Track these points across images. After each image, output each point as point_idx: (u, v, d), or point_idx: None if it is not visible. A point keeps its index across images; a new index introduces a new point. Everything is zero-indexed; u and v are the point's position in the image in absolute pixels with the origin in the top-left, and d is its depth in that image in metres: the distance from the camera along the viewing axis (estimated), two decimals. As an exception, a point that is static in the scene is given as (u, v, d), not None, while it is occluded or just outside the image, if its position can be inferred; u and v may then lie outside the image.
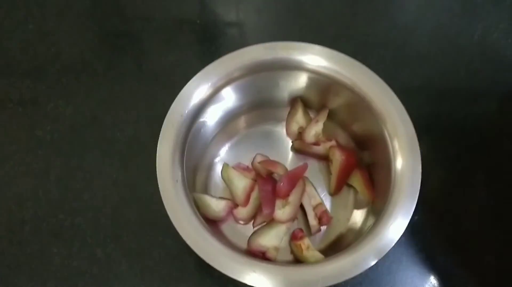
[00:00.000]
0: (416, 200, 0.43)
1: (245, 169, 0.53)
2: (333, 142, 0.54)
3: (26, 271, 0.50)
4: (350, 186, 0.53)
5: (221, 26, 0.65)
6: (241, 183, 0.51)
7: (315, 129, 0.54)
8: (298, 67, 0.50)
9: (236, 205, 0.51)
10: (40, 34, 0.63)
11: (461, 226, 0.53)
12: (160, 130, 0.46)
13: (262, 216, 0.51)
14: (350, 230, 0.51)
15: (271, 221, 0.51)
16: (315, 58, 0.50)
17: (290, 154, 0.56)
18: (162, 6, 0.66)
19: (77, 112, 0.58)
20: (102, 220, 0.52)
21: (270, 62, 0.49)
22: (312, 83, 0.51)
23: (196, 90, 0.47)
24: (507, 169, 0.56)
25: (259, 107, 0.56)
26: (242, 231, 0.51)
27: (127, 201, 0.53)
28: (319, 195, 0.52)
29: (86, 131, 0.57)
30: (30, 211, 0.53)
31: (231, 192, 0.52)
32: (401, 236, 0.42)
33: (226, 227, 0.51)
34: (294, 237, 0.50)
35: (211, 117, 0.51)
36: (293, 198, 0.50)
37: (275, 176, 0.53)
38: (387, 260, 0.51)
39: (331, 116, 0.54)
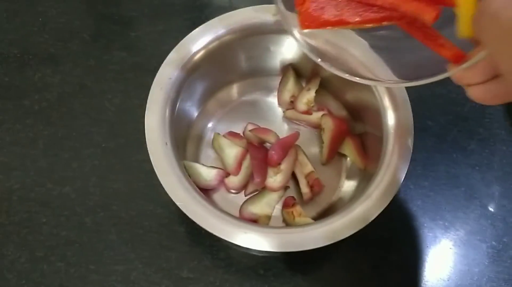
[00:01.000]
0: (409, 163, 0.42)
1: (236, 136, 0.52)
2: (325, 111, 0.54)
3: (15, 240, 0.49)
4: (342, 155, 0.53)
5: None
6: (232, 151, 0.51)
7: (307, 97, 0.53)
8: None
9: (227, 174, 0.51)
10: (27, 2, 0.62)
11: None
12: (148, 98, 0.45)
13: (254, 184, 0.50)
14: (342, 198, 0.51)
15: (262, 190, 0.50)
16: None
17: (282, 123, 0.55)
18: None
19: (65, 81, 0.57)
20: (91, 189, 0.52)
21: (259, 25, 0.48)
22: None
23: (184, 53, 0.46)
24: (501, 138, 0.56)
25: (250, 75, 0.55)
26: (233, 200, 0.51)
27: (116, 170, 0.52)
28: (310, 164, 0.51)
29: (74, 100, 0.56)
30: (18, 180, 0.52)
31: (222, 160, 0.51)
32: (394, 204, 0.41)
33: (217, 197, 0.51)
34: (286, 205, 0.50)
35: (201, 82, 0.50)
36: (284, 166, 0.49)
37: (267, 145, 0.52)
38: (378, 228, 0.50)
39: (323, 84, 0.54)
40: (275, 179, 0.49)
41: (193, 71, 0.47)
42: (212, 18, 0.49)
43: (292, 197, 0.50)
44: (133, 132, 0.54)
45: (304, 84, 0.55)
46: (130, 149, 0.53)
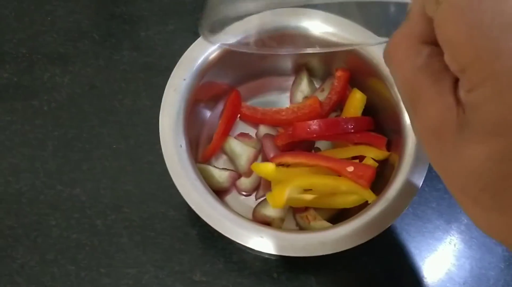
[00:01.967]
0: (428, 165, 0.42)
1: (248, 137, 0.52)
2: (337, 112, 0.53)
3: (25, 243, 0.49)
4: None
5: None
6: (244, 153, 0.50)
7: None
8: (303, 33, 0.48)
9: (239, 176, 0.50)
10: (36, 1, 0.61)
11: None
12: (159, 99, 0.44)
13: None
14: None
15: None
16: (321, 24, 0.48)
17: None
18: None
19: (75, 82, 0.56)
20: (102, 191, 0.51)
21: (275, 28, 0.47)
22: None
23: (198, 54, 0.46)
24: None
25: (262, 75, 0.54)
26: (246, 203, 0.50)
27: (127, 171, 0.52)
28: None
29: (84, 100, 0.55)
30: (27, 182, 0.51)
31: (233, 162, 0.51)
32: (409, 207, 0.41)
33: (230, 199, 0.50)
34: (298, 209, 0.49)
35: (214, 83, 0.50)
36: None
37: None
38: (393, 231, 0.50)
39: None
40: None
41: (206, 72, 0.47)
42: (225, 18, 0.48)
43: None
44: (144, 133, 0.53)
45: (317, 85, 0.55)
46: (141, 150, 0.52)
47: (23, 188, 0.51)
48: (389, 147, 0.48)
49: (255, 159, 0.50)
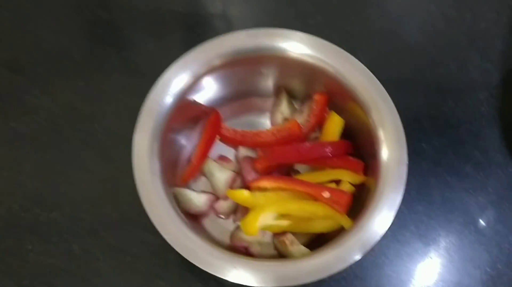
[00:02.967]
0: (403, 192, 0.42)
1: (227, 161, 0.51)
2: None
3: (0, 268, 0.48)
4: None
5: (205, 15, 0.63)
6: (222, 175, 0.50)
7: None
8: (281, 54, 0.48)
9: (217, 198, 0.50)
10: (16, 21, 0.61)
11: (449, 219, 0.52)
12: (139, 121, 0.44)
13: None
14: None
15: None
16: (299, 46, 0.48)
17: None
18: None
19: (55, 103, 0.56)
20: (80, 214, 0.51)
21: (252, 50, 0.47)
22: (296, 71, 0.50)
23: (175, 78, 0.45)
24: (496, 161, 0.55)
25: (242, 96, 0.54)
26: (225, 226, 0.50)
27: (105, 195, 0.51)
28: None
29: (64, 122, 0.55)
30: (4, 205, 0.51)
31: (212, 185, 0.50)
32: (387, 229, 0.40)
33: (208, 222, 0.50)
34: (276, 233, 0.49)
35: (192, 106, 0.49)
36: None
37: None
38: (372, 254, 0.49)
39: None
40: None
41: (183, 96, 0.46)
42: (206, 37, 0.48)
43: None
44: (123, 156, 0.52)
45: (297, 106, 0.55)
46: (120, 173, 0.52)
47: (0, 211, 0.51)
48: (366, 171, 0.48)
49: (233, 182, 0.50)
